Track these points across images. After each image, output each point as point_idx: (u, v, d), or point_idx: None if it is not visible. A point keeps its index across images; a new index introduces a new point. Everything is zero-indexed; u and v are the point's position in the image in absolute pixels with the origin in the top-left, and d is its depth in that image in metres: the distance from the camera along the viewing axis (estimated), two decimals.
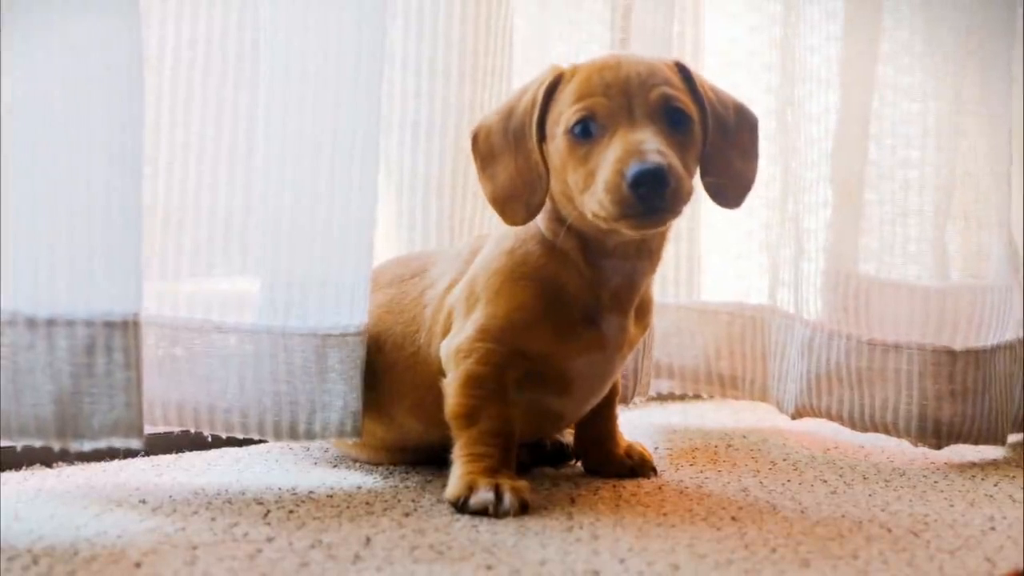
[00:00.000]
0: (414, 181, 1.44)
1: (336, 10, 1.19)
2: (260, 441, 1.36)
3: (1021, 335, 1.51)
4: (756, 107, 1.62)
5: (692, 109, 1.13)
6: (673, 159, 1.06)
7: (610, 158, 1.06)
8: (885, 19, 1.51)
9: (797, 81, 1.55)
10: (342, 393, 1.21)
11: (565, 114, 1.11)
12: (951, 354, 1.44)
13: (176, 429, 1.24)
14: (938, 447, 1.45)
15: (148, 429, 1.27)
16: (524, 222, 1.16)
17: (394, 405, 1.25)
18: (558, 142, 1.12)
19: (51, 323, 1.04)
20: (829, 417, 1.51)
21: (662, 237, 1.19)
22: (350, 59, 1.20)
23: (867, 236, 1.53)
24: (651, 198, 1.04)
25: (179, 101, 1.22)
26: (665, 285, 1.65)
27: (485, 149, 1.18)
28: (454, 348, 1.17)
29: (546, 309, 1.15)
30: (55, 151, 1.04)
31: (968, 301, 1.51)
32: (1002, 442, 1.48)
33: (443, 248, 1.39)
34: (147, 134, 1.21)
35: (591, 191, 1.08)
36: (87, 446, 1.05)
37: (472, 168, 1.35)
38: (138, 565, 0.92)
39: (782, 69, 1.59)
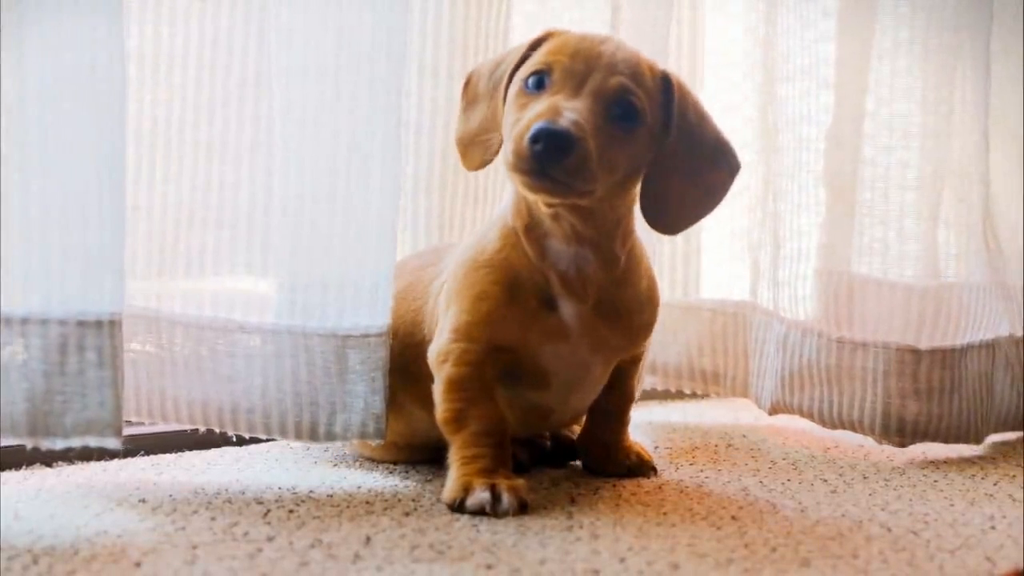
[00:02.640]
0: (403, 180, 1.44)
1: (356, 9, 1.19)
2: (260, 440, 1.36)
3: (999, 335, 1.52)
4: (748, 106, 1.63)
5: (648, 113, 1.11)
6: (588, 137, 1.05)
7: (532, 111, 1.07)
8: (877, 20, 1.51)
9: (778, 80, 1.55)
10: (363, 394, 1.21)
11: (528, 65, 1.13)
12: (915, 353, 1.45)
13: (202, 428, 1.24)
14: (902, 445, 1.46)
15: (173, 427, 1.29)
16: (479, 167, 1.19)
17: (404, 393, 1.25)
18: (512, 89, 1.13)
19: (25, 322, 1.04)
20: (801, 414, 1.52)
21: (603, 229, 1.16)
22: (370, 58, 1.20)
23: (847, 235, 1.53)
24: (545, 160, 1.04)
25: (203, 100, 1.23)
26: (661, 283, 1.65)
27: (471, 94, 1.21)
28: (435, 353, 1.17)
29: (505, 295, 1.15)
30: (32, 151, 1.04)
31: (941, 300, 1.51)
32: (976, 441, 1.49)
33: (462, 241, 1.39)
34: (173, 133, 1.22)
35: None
36: (60, 444, 1.05)
37: (459, 169, 1.35)
38: (138, 565, 0.92)
39: (764, 68, 1.59)
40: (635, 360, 1.30)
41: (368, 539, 1.01)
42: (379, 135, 1.21)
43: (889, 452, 1.48)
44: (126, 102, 1.10)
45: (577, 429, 1.35)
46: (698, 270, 1.71)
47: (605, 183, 1.09)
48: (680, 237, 1.67)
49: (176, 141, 1.22)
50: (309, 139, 1.20)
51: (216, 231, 1.23)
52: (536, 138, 1.03)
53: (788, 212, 1.54)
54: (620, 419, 1.30)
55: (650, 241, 1.59)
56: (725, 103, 1.69)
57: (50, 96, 1.04)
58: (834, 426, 1.49)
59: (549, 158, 1.04)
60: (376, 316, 1.22)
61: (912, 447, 1.48)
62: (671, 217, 1.18)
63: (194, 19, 1.22)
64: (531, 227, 1.16)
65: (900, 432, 1.45)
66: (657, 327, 1.27)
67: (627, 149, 1.11)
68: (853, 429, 1.48)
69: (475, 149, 1.19)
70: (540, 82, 1.11)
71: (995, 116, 1.61)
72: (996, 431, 1.56)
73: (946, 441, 1.47)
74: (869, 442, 1.53)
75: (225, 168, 1.23)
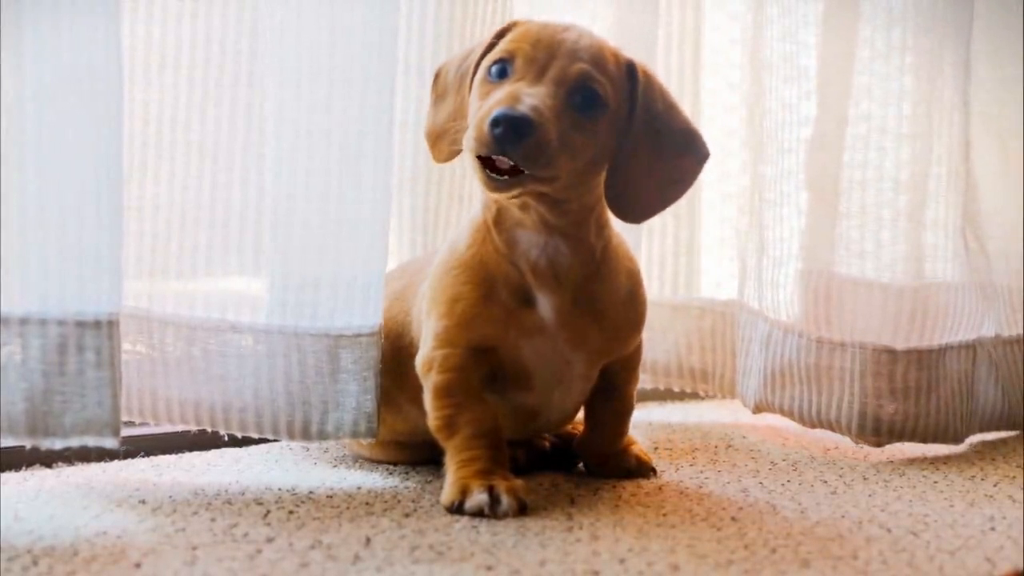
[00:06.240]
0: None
1: (348, 9, 1.19)
2: (260, 441, 1.36)
3: (981, 335, 1.53)
4: (746, 107, 1.63)
5: (611, 100, 1.11)
6: (550, 122, 1.05)
7: (494, 98, 1.07)
8: (862, 24, 1.52)
9: (771, 83, 1.55)
10: (355, 394, 1.22)
11: (492, 54, 1.13)
12: (892, 353, 1.46)
13: (194, 428, 1.25)
14: (879, 445, 1.47)
15: (173, 428, 1.30)
16: (447, 159, 1.19)
17: (399, 393, 1.25)
18: (477, 78, 1.14)
19: (24, 322, 1.05)
20: (782, 413, 1.52)
21: (574, 219, 1.15)
22: (362, 58, 1.20)
23: (829, 235, 1.53)
24: (505, 143, 1.03)
25: (194, 100, 1.23)
26: (649, 282, 1.65)
27: (440, 87, 1.21)
28: (420, 362, 1.18)
29: (479, 294, 1.15)
30: (30, 151, 1.04)
31: (919, 301, 1.51)
32: (955, 441, 1.49)
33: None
34: (165, 132, 1.22)
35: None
36: (59, 444, 1.06)
37: (448, 167, 1.35)
38: (138, 565, 0.92)
39: (757, 69, 1.59)
40: (630, 366, 1.28)
41: (368, 540, 1.01)
42: (371, 135, 1.21)
43: (889, 453, 1.48)
44: (123, 102, 1.10)
45: (580, 428, 1.35)
46: (697, 269, 1.71)
47: (567, 169, 1.08)
48: (671, 235, 1.68)
49: (168, 141, 1.22)
50: (301, 138, 1.20)
51: (208, 231, 1.23)
52: (496, 122, 1.03)
53: (778, 212, 1.54)
54: (618, 429, 1.29)
55: (641, 239, 1.60)
56: (725, 103, 1.69)
57: (48, 96, 1.05)
58: (813, 425, 1.50)
59: (508, 141, 1.03)
60: (368, 316, 1.22)
61: (912, 448, 1.49)
62: (634, 204, 1.17)
63: (186, 19, 1.22)
64: (500, 218, 1.16)
65: (876, 432, 1.46)
66: (646, 325, 1.27)
67: (590, 136, 1.10)
68: (831, 429, 1.49)
69: (443, 141, 1.18)
70: (503, 70, 1.11)
71: (983, 116, 1.61)
72: (981, 431, 1.57)
73: (924, 441, 1.47)
74: None
75: (217, 168, 1.23)
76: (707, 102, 1.69)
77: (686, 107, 1.57)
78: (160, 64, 1.22)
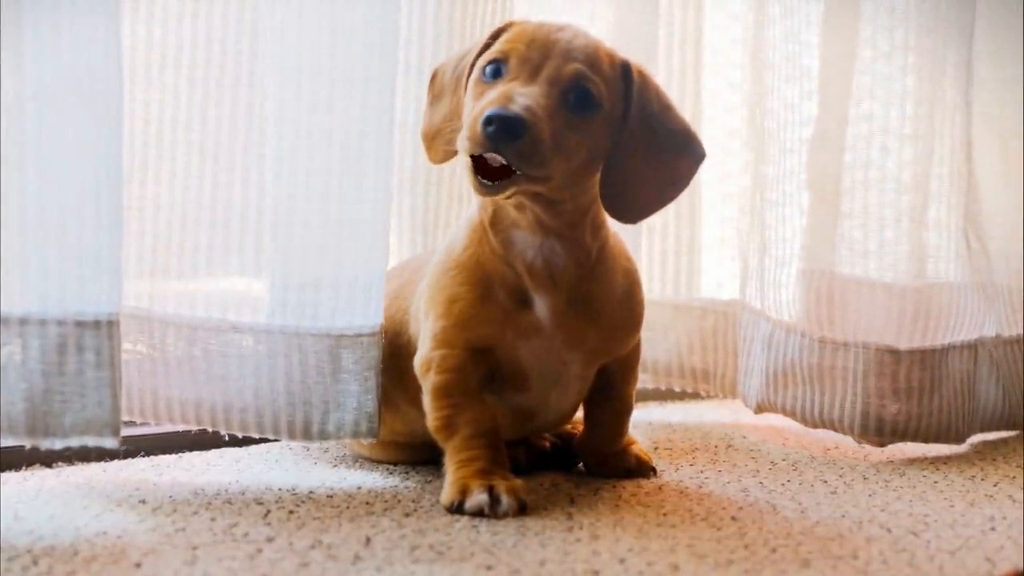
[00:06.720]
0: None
1: (348, 9, 1.19)
2: (260, 441, 1.36)
3: (982, 335, 1.53)
4: (747, 107, 1.63)
5: (605, 100, 1.11)
6: (544, 122, 1.05)
7: (487, 98, 1.07)
8: (864, 24, 1.51)
9: (773, 83, 1.55)
10: (356, 394, 1.22)
11: (487, 54, 1.12)
12: (895, 353, 1.46)
13: (194, 428, 1.25)
14: (881, 445, 1.47)
15: (173, 428, 1.30)
16: (443, 160, 1.19)
17: (397, 392, 1.25)
18: (472, 78, 1.13)
19: (23, 322, 1.05)
20: (784, 413, 1.52)
21: (569, 220, 1.15)
22: (363, 58, 1.20)
23: (831, 236, 1.53)
24: (498, 141, 1.03)
25: (195, 100, 1.23)
26: (650, 282, 1.65)
27: (437, 88, 1.21)
28: (419, 362, 1.18)
29: (476, 294, 1.15)
30: (30, 151, 1.04)
31: (922, 301, 1.51)
32: (957, 441, 1.49)
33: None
34: (165, 132, 1.23)
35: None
36: (58, 444, 1.06)
37: (448, 167, 1.35)
38: (138, 565, 0.92)
39: (759, 70, 1.58)
40: (628, 366, 1.28)
41: (368, 540, 1.01)
42: (372, 135, 1.21)
43: (889, 453, 1.48)
44: (123, 102, 1.10)
45: (580, 428, 1.35)
46: (698, 268, 1.71)
47: (561, 169, 1.08)
48: (673, 234, 1.67)
49: (168, 141, 1.22)
50: (302, 138, 1.20)
51: (208, 231, 1.23)
52: (489, 121, 1.03)
53: (780, 212, 1.54)
54: (617, 429, 1.29)
55: (641, 239, 1.60)
56: (726, 103, 1.69)
57: (48, 96, 1.05)
58: (815, 425, 1.50)
59: (501, 140, 1.03)
60: (369, 316, 1.22)
61: (912, 448, 1.49)
62: (630, 205, 1.17)
63: (186, 19, 1.22)
64: (496, 218, 1.16)
65: (879, 432, 1.46)
66: (648, 325, 1.27)
67: (584, 136, 1.10)
68: (833, 428, 1.49)
69: (438, 142, 1.18)
70: (497, 71, 1.10)
71: (985, 117, 1.61)
72: (982, 431, 1.57)
73: (926, 441, 1.48)
74: None
75: (218, 168, 1.23)
76: (708, 102, 1.69)
77: (687, 107, 1.57)
78: (160, 64, 1.22)
